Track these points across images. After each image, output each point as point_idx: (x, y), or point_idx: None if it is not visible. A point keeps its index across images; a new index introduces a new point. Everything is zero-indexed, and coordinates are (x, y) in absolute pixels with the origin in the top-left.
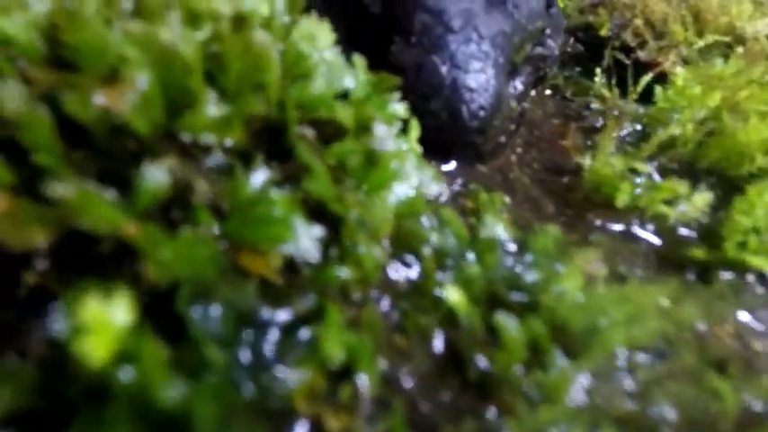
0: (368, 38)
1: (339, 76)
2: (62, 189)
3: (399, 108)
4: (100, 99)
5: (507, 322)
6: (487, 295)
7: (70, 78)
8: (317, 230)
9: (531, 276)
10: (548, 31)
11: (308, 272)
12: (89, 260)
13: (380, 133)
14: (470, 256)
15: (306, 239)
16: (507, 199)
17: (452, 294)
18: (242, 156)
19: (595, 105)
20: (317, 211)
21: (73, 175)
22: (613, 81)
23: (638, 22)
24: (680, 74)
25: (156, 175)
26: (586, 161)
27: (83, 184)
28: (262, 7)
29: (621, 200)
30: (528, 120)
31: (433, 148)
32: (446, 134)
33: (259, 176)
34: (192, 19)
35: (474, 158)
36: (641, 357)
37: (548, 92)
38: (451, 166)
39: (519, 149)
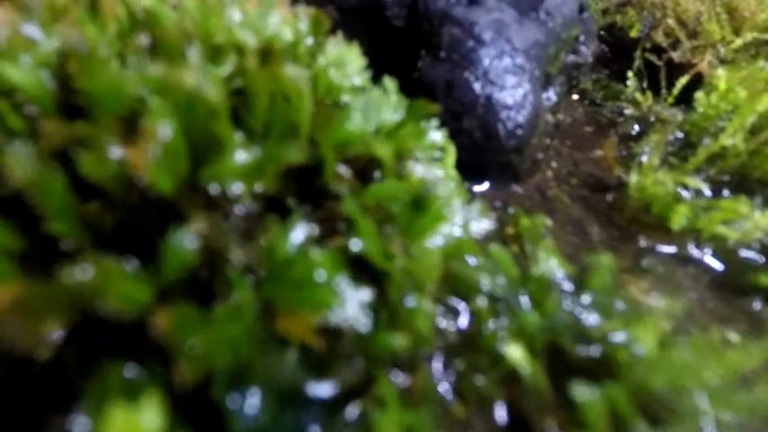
0: (392, 53)
1: (377, 110)
2: (80, 273)
3: (437, 136)
4: (118, 153)
5: (587, 396)
6: (550, 348)
7: (85, 130)
8: (365, 294)
9: (592, 319)
10: (581, 37)
11: (353, 335)
12: (109, 329)
13: (429, 176)
14: (524, 298)
15: (353, 305)
16: (548, 221)
17: (513, 351)
18: (273, 202)
19: (629, 111)
20: (357, 261)
21: (88, 241)
22: (645, 84)
23: (670, 21)
24: (721, 76)
25: (184, 242)
26: (632, 178)
27: (102, 262)
28: (285, 32)
29: (677, 222)
30: (559, 129)
31: (466, 169)
32: (480, 154)
33: (298, 234)
34: (214, 52)
35: (510, 178)
36: (725, 415)
37: (575, 96)
38: (485, 186)
39: (554, 163)
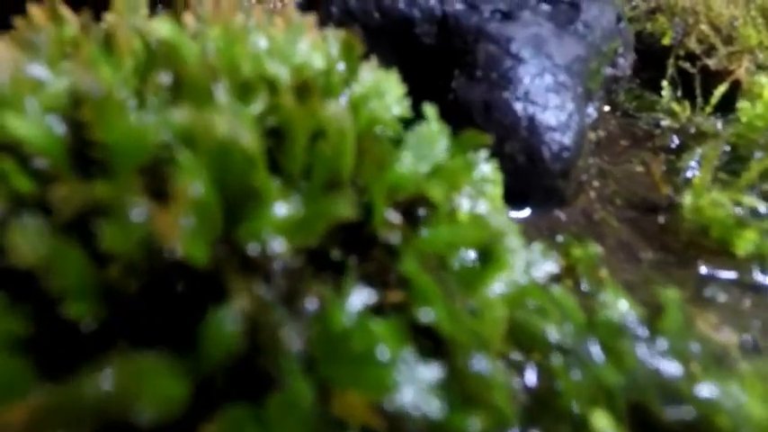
0: (422, 73)
1: (429, 147)
2: (106, 381)
3: (487, 169)
4: (144, 219)
5: None
6: (633, 408)
7: (104, 192)
8: (434, 371)
9: (672, 368)
10: (619, 49)
11: (421, 417)
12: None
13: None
14: (595, 348)
15: (421, 386)
16: (598, 248)
17: (599, 419)
18: (315, 254)
19: (666, 122)
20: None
21: (109, 314)
22: (678, 93)
23: (703, 26)
24: (765, 84)
25: (226, 323)
26: (686, 198)
27: (130, 360)
28: (315, 58)
29: (743, 248)
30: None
31: (507, 195)
32: (523, 179)
33: (355, 301)
34: (242, 87)
35: (555, 203)
36: None
37: (606, 108)
38: (526, 212)
39: (596, 183)
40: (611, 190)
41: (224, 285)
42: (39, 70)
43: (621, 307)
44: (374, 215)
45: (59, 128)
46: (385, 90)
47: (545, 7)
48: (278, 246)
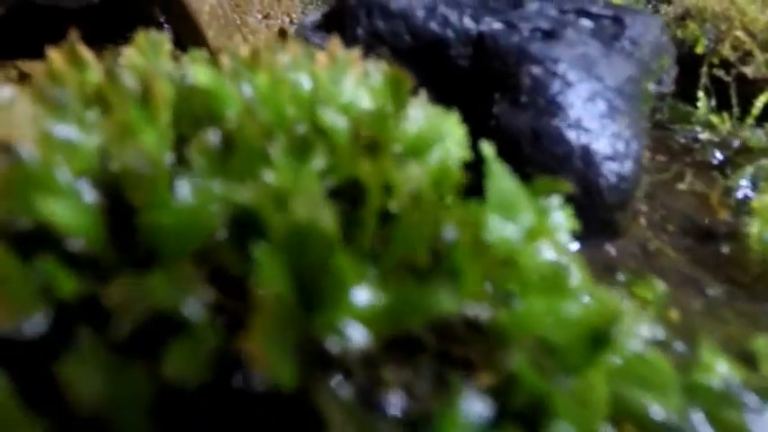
0: (458, 98)
1: (514, 207)
2: None
3: (561, 217)
4: (215, 329)
5: None
6: None
7: (161, 292)
8: None
9: None
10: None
11: None
12: None
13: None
14: (699, 421)
15: None
16: (661, 284)
17: None
18: (396, 345)
19: (704, 135)
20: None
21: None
22: (713, 102)
23: (738, 33)
24: None
25: None
26: (752, 227)
27: None
28: (361, 97)
29: None
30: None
31: None
32: (578, 213)
33: (468, 413)
34: (300, 145)
35: (608, 236)
36: None
37: None
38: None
39: (644, 207)
40: (661, 214)
41: (310, 400)
42: (66, 130)
43: (721, 369)
44: (462, 290)
45: (91, 196)
46: (445, 132)
47: (586, 23)
48: (360, 337)
